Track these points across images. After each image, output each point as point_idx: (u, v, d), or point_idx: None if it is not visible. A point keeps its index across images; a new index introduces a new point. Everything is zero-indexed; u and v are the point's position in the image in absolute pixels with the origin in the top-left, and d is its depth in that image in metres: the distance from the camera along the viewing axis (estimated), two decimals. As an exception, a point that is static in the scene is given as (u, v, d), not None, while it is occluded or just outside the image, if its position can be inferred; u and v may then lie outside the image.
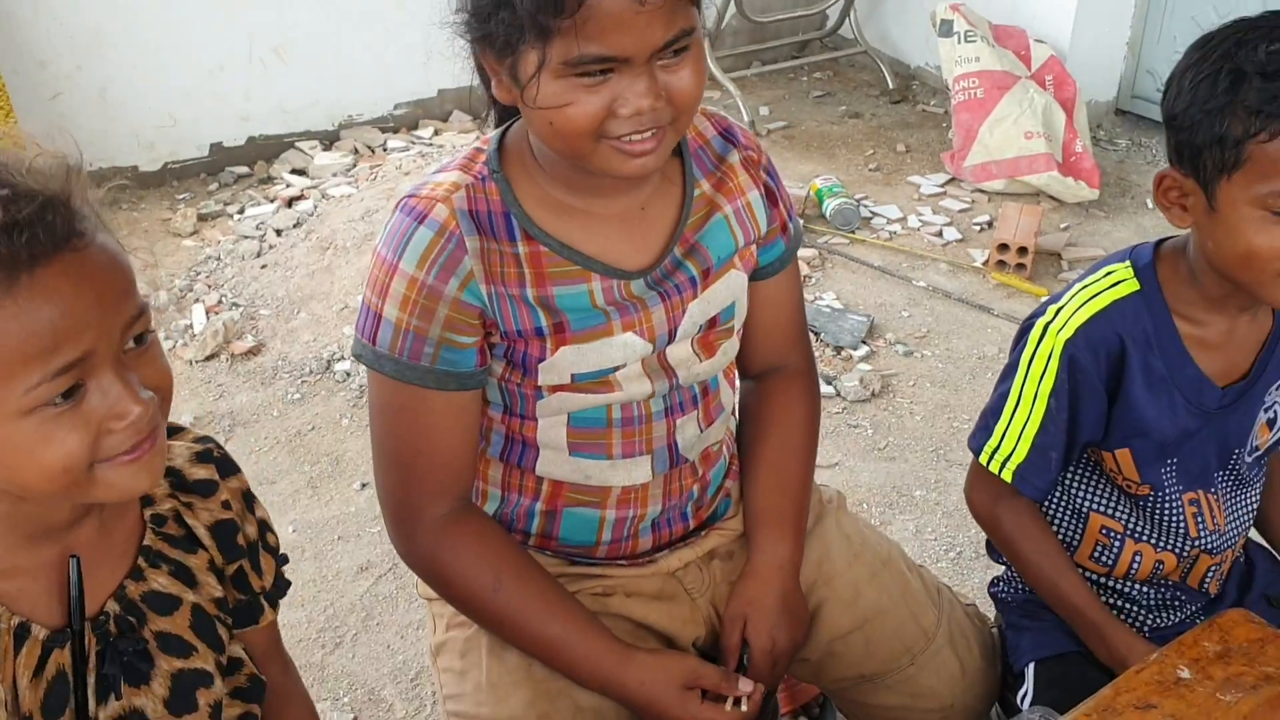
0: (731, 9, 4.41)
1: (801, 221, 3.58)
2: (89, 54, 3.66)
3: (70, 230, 0.77)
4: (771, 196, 1.29)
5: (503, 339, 1.17)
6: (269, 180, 3.91)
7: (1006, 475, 1.31)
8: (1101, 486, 1.37)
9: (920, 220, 3.63)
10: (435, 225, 1.12)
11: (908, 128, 4.30)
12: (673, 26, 1.01)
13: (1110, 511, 1.36)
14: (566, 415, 1.23)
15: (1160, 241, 1.29)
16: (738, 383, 1.44)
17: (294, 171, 3.92)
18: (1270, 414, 1.34)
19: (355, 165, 3.90)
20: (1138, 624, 1.39)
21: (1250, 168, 1.09)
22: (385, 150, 4.04)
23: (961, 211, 3.69)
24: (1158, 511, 1.33)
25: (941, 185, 3.85)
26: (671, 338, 1.22)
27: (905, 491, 2.45)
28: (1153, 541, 1.35)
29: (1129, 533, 1.35)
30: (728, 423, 1.37)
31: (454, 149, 3.85)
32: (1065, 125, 3.71)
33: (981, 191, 3.78)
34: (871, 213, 3.68)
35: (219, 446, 1.03)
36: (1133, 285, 1.25)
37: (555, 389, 1.20)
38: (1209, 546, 1.35)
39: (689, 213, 1.22)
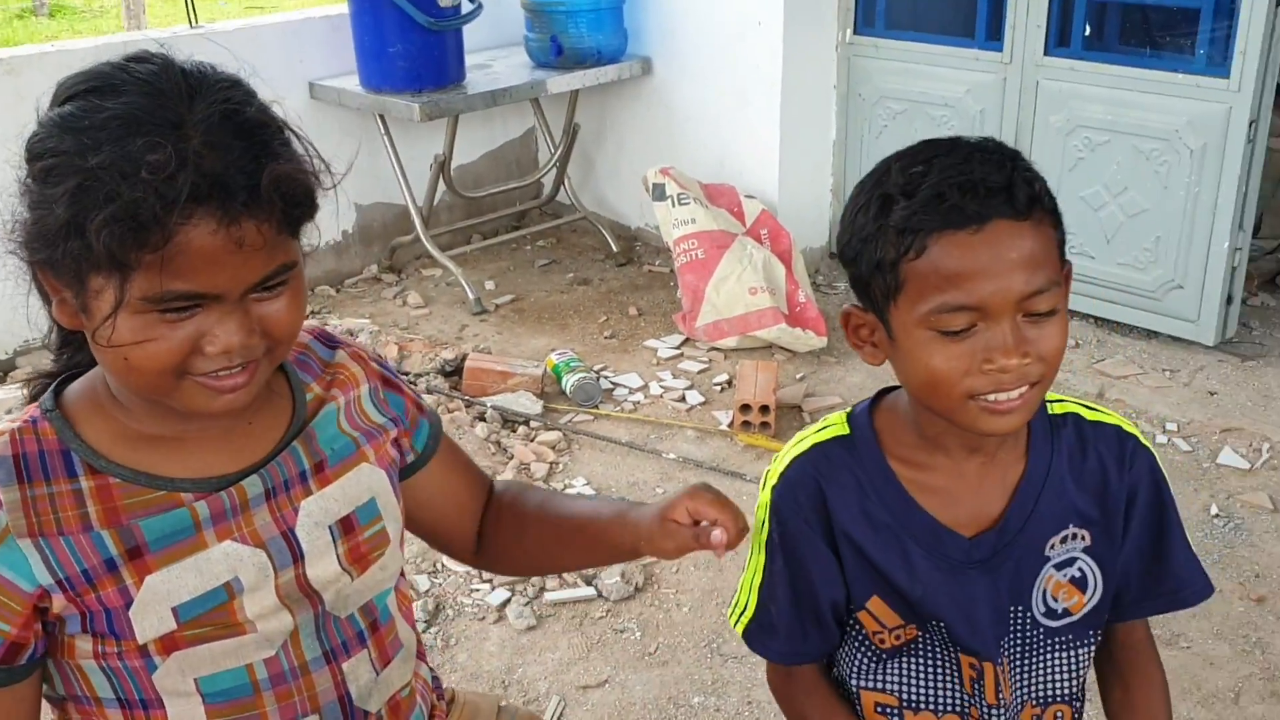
0: (442, 186, 4.30)
1: (542, 404, 3.47)
2: None
3: None
4: (391, 384, 1.20)
5: (72, 601, 0.96)
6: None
7: (739, 629, 1.27)
8: (863, 657, 1.26)
9: (662, 386, 3.55)
10: None
11: (637, 290, 4.27)
12: (271, 263, 0.92)
13: (878, 684, 1.25)
14: (199, 691, 1.01)
15: (889, 389, 1.26)
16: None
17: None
18: (1076, 571, 1.22)
19: None
20: None
21: (909, 288, 1.07)
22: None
23: (701, 372, 3.64)
24: (929, 666, 1.23)
25: (677, 347, 3.81)
26: (292, 545, 1.04)
27: (682, 700, 2.26)
28: (933, 709, 1.24)
29: (905, 704, 1.24)
30: (412, 663, 1.20)
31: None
32: (786, 277, 3.77)
33: (717, 349, 3.76)
34: (612, 384, 3.57)
35: None
36: (840, 430, 1.22)
37: (166, 645, 0.99)
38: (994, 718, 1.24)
39: (303, 415, 1.09)
